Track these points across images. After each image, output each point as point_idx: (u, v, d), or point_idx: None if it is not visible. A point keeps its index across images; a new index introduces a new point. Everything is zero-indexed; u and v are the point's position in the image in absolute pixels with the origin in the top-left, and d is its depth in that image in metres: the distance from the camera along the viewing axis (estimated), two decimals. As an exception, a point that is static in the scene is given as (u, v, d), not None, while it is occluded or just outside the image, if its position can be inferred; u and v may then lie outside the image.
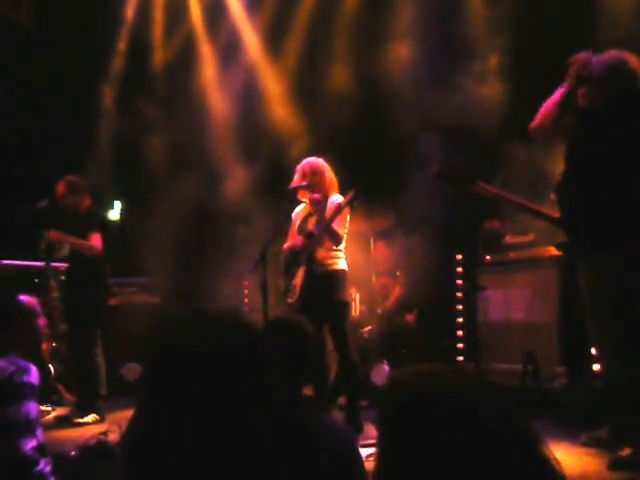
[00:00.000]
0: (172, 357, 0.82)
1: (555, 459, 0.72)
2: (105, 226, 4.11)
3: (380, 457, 0.75)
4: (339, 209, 3.26)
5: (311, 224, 3.45)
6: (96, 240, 3.87)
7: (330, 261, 3.37)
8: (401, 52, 4.80)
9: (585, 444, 2.75)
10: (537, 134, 2.74)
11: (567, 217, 2.67)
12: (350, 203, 3.26)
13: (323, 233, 3.32)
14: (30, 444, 1.80)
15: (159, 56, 6.08)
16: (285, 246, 3.54)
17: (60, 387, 4.26)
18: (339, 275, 3.36)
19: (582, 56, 2.66)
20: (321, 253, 3.36)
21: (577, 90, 2.63)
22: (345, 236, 3.44)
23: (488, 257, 4.33)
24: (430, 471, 0.68)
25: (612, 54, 2.65)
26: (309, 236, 3.37)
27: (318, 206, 3.40)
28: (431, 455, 0.69)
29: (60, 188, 3.99)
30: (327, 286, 3.30)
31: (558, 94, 2.68)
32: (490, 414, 0.71)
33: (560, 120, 2.65)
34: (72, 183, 4.01)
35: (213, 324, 0.85)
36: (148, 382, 0.82)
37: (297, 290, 3.32)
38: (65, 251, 4.13)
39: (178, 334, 0.85)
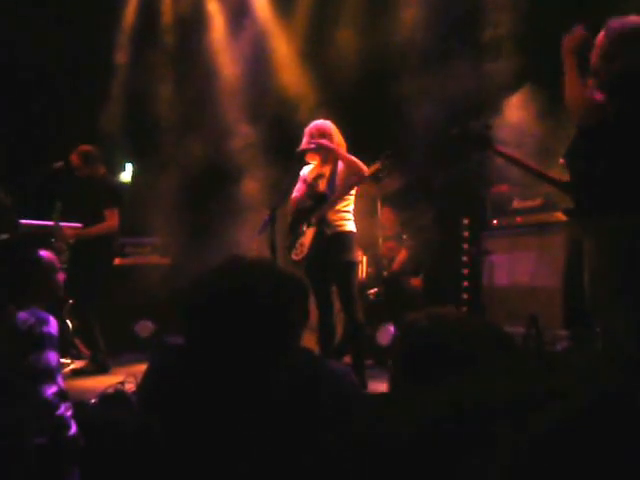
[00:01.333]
0: (208, 297, 0.88)
1: None
2: (120, 195, 4.22)
3: (392, 391, 0.80)
4: (361, 180, 3.28)
5: (322, 185, 3.48)
6: (113, 217, 4.02)
7: (339, 222, 3.42)
8: (409, 14, 4.71)
9: None
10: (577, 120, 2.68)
11: (578, 181, 2.66)
12: (376, 175, 3.29)
13: (336, 198, 3.37)
14: (51, 390, 1.91)
15: (168, 14, 6.00)
16: (293, 196, 3.55)
17: (78, 341, 4.42)
18: (348, 236, 3.41)
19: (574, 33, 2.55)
20: (331, 215, 3.41)
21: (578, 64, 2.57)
22: (353, 198, 3.48)
23: (495, 221, 4.34)
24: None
25: (630, 19, 2.56)
26: (322, 198, 3.41)
27: (324, 150, 3.39)
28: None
29: (74, 159, 4.07)
30: (336, 247, 3.36)
31: (570, 83, 2.59)
32: (496, 351, 0.75)
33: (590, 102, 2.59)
34: (86, 153, 4.09)
35: (245, 268, 0.91)
36: (187, 320, 0.89)
37: (305, 249, 3.39)
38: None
39: (215, 277, 0.92)
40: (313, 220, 3.40)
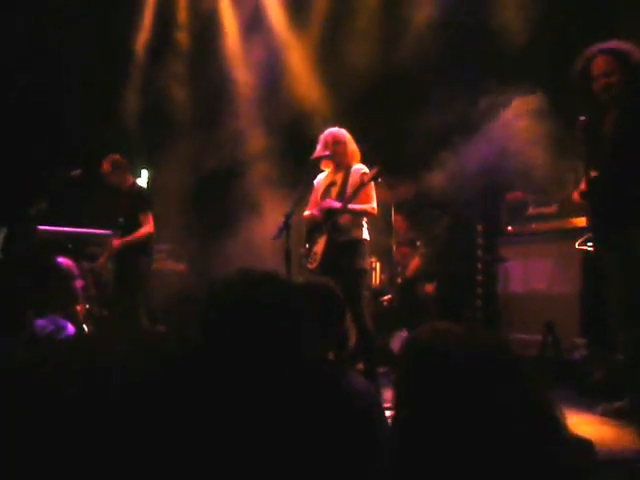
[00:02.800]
0: (219, 308, 0.89)
1: (557, 408, 0.76)
2: (151, 199, 4.37)
3: (396, 408, 0.80)
4: (362, 185, 3.29)
5: (334, 194, 3.49)
6: (149, 221, 4.19)
7: (352, 229, 3.42)
8: (421, 24, 4.73)
9: (603, 414, 2.76)
10: None
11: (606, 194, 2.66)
12: (374, 179, 3.30)
13: (345, 208, 3.37)
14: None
15: (183, 22, 6.07)
16: (306, 214, 3.59)
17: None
18: (360, 243, 3.41)
19: None
20: (343, 222, 3.41)
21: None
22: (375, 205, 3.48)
23: (510, 228, 4.31)
24: (441, 420, 0.73)
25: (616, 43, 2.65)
26: (329, 214, 3.41)
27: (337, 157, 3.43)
28: (442, 404, 0.73)
29: (105, 166, 4.24)
30: (348, 254, 3.36)
31: None
32: (498, 366, 0.75)
33: None
34: (116, 161, 4.26)
35: (254, 280, 0.92)
36: (200, 328, 0.90)
37: (318, 257, 3.40)
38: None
39: (223, 289, 0.93)
40: (325, 228, 3.41)
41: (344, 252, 3.36)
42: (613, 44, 2.70)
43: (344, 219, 3.41)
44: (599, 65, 2.69)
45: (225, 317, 0.88)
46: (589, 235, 2.87)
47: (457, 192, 4.06)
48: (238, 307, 0.88)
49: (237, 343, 0.86)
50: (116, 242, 4.24)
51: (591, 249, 2.87)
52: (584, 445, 0.78)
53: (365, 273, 3.45)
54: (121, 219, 4.27)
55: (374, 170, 3.30)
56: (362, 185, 3.31)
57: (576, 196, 2.87)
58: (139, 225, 4.19)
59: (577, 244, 2.94)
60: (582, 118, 2.73)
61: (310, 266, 3.44)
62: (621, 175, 2.65)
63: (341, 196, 3.44)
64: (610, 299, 2.79)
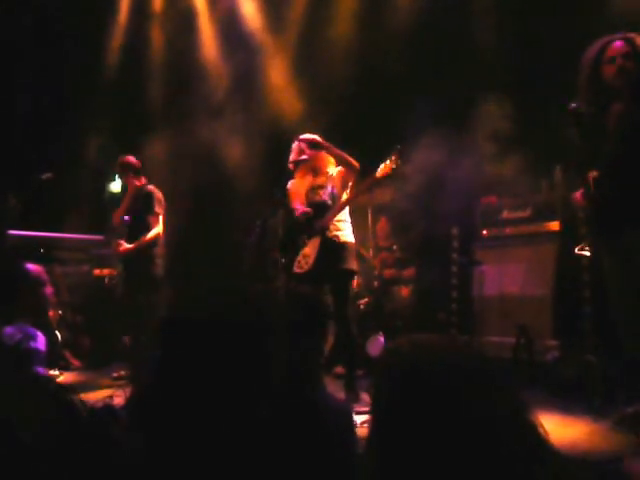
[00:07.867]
0: (183, 326, 0.87)
1: (540, 424, 0.76)
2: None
3: (374, 422, 0.79)
4: (356, 173, 3.38)
5: (323, 195, 3.47)
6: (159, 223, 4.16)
7: (340, 232, 3.44)
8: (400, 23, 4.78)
9: (617, 424, 2.57)
10: None
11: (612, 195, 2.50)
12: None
13: (337, 207, 3.38)
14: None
15: (157, 29, 6.03)
16: (296, 208, 3.50)
17: (67, 353, 4.36)
18: (350, 245, 3.44)
19: None
20: (333, 225, 3.42)
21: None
22: (347, 208, 3.50)
23: (485, 232, 4.37)
24: (421, 436, 0.72)
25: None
26: (322, 207, 3.41)
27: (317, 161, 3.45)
28: (423, 420, 0.73)
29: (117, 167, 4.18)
30: (339, 256, 3.37)
31: None
32: (480, 382, 0.75)
33: None
34: (125, 163, 4.21)
35: (222, 296, 0.90)
36: (163, 346, 0.87)
37: (310, 260, 3.38)
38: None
39: (190, 306, 0.90)
40: (317, 229, 3.39)
41: (337, 254, 3.36)
42: (630, 34, 2.58)
43: (331, 224, 3.40)
44: (617, 47, 2.56)
45: (187, 337, 0.85)
46: (588, 240, 2.72)
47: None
48: (202, 326, 0.85)
49: (199, 363, 0.83)
50: (123, 246, 4.08)
51: (589, 254, 2.71)
52: (565, 461, 0.78)
53: (354, 274, 3.47)
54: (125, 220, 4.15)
55: (390, 163, 3.25)
56: (356, 174, 3.38)
57: (578, 197, 2.65)
58: (148, 227, 4.08)
59: (576, 250, 2.76)
60: (573, 105, 2.52)
61: (299, 270, 3.40)
62: (627, 174, 2.47)
63: (331, 197, 3.44)
64: (613, 305, 2.61)
